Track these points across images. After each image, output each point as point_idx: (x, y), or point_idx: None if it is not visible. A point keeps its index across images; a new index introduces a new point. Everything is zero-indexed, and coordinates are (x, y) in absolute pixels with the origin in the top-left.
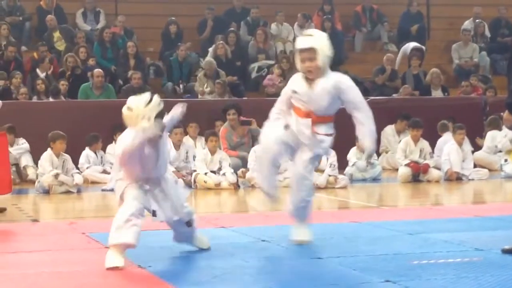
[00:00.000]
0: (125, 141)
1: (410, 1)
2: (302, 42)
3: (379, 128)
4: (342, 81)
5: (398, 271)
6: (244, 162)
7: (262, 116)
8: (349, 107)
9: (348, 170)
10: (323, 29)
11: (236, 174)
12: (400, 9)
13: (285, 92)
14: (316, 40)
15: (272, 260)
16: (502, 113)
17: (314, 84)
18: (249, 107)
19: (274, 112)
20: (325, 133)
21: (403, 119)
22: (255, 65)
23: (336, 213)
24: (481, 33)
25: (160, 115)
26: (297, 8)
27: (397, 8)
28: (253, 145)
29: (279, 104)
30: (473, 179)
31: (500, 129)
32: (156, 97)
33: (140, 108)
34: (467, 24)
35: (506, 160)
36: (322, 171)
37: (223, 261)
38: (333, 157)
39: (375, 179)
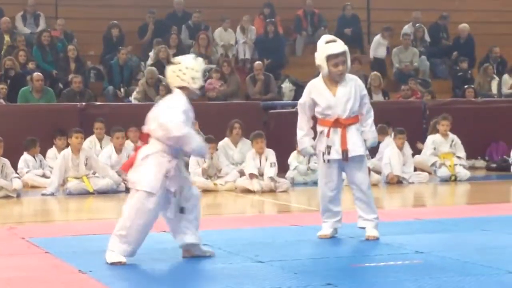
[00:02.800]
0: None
1: (344, 6)
2: (335, 47)
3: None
4: (358, 80)
5: (339, 274)
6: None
7: (203, 119)
8: (363, 104)
9: (289, 174)
10: (265, 32)
11: None
12: (339, 13)
13: (304, 103)
14: (343, 44)
15: (214, 264)
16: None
17: (336, 88)
18: None
19: (302, 130)
20: (357, 137)
21: None
22: None
23: (277, 216)
24: (421, 37)
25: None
26: (239, 12)
27: (337, 12)
28: None
29: (304, 119)
30: (413, 183)
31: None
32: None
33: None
34: (407, 28)
35: (438, 165)
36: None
37: (165, 265)
38: (272, 155)
39: (316, 183)
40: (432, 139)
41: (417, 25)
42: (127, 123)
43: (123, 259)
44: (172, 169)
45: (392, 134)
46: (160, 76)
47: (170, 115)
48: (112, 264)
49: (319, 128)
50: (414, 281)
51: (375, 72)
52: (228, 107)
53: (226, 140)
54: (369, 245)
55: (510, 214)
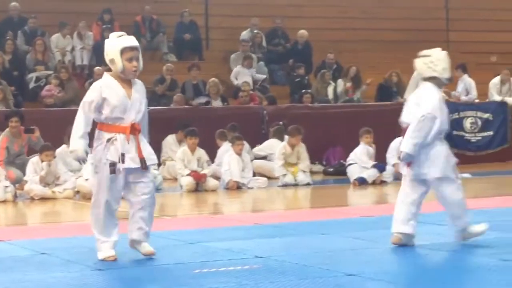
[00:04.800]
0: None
1: (182, 12)
2: (129, 40)
3: (160, 138)
4: (143, 85)
5: (179, 281)
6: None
7: (41, 126)
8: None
9: None
10: (102, 38)
11: (15, 186)
12: (177, 19)
13: (92, 102)
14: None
15: (52, 272)
16: (281, 122)
17: (130, 89)
18: (28, 118)
19: (80, 130)
20: (148, 145)
21: (184, 128)
22: (33, 76)
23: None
24: (259, 43)
25: None
26: (77, 18)
27: (176, 18)
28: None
29: (85, 120)
30: (252, 188)
31: (282, 139)
32: None
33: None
34: (245, 34)
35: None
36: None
37: (2, 275)
38: None
39: (156, 189)
40: (270, 144)
41: (255, 31)
42: None
43: None
44: None
45: (230, 140)
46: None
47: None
48: None
49: (105, 135)
50: (254, 285)
51: (213, 79)
52: (66, 113)
53: (64, 147)
54: (209, 251)
55: (347, 218)
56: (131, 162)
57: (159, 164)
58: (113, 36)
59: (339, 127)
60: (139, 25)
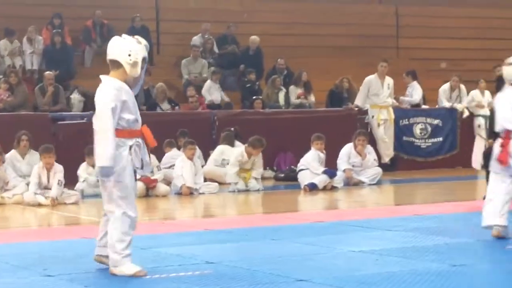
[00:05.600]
0: None
1: (133, 17)
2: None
3: None
4: None
5: (130, 286)
6: None
7: None
8: None
9: (78, 186)
10: (52, 43)
11: None
12: (129, 24)
13: (115, 108)
14: None
15: (1, 278)
16: (233, 128)
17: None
18: None
19: (113, 142)
20: None
21: None
22: None
23: (67, 229)
24: (210, 49)
25: None
26: (26, 22)
27: (127, 23)
28: None
29: (113, 129)
30: (203, 193)
31: (232, 145)
32: None
33: None
34: (196, 39)
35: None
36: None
37: None
38: (60, 172)
39: None
40: (222, 150)
41: (206, 36)
42: None
43: None
44: None
45: (182, 145)
46: None
47: None
48: None
49: (127, 142)
50: None
51: (160, 84)
52: (16, 118)
53: (13, 152)
54: (160, 256)
55: (298, 223)
56: (146, 168)
57: None
58: (130, 38)
59: (290, 133)
60: (89, 30)
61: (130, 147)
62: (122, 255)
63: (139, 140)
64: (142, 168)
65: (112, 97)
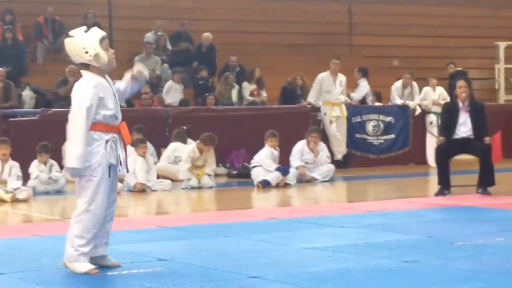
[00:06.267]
0: None
1: (86, 14)
2: (99, 30)
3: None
4: None
5: (81, 284)
6: None
7: None
8: None
9: (30, 183)
10: (4, 39)
11: None
12: (81, 20)
13: (91, 107)
14: None
15: None
16: (185, 127)
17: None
18: None
19: (83, 143)
20: None
21: None
22: None
23: (18, 226)
24: (163, 46)
25: None
26: None
27: (79, 20)
28: None
29: (86, 129)
30: (156, 190)
31: (185, 142)
32: None
33: None
34: (149, 36)
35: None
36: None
37: None
38: (17, 168)
39: (59, 192)
40: (174, 147)
41: (159, 33)
42: None
43: None
44: None
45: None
46: None
47: None
48: None
49: (104, 136)
50: None
51: (114, 80)
52: None
53: None
54: (112, 254)
55: (251, 220)
56: (123, 164)
57: (61, 167)
58: (80, 31)
59: (243, 130)
60: (41, 26)
61: (107, 141)
62: (79, 252)
63: (116, 136)
64: (120, 164)
65: (88, 95)
